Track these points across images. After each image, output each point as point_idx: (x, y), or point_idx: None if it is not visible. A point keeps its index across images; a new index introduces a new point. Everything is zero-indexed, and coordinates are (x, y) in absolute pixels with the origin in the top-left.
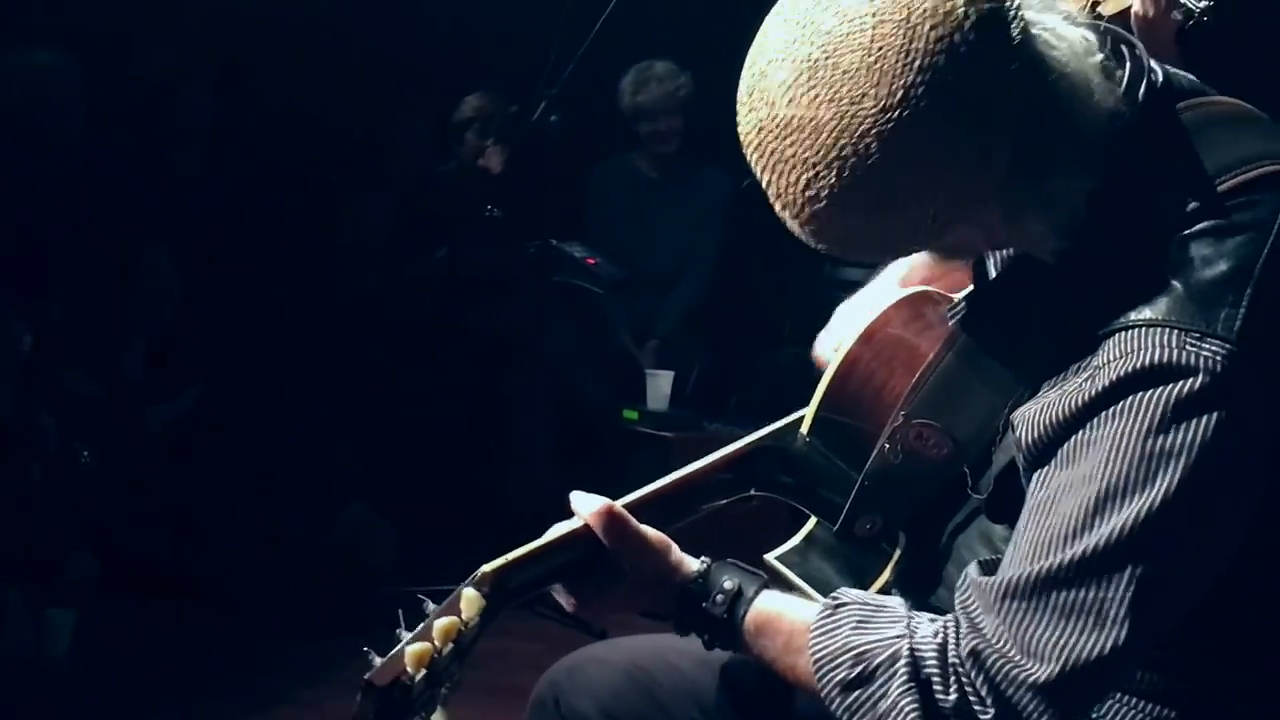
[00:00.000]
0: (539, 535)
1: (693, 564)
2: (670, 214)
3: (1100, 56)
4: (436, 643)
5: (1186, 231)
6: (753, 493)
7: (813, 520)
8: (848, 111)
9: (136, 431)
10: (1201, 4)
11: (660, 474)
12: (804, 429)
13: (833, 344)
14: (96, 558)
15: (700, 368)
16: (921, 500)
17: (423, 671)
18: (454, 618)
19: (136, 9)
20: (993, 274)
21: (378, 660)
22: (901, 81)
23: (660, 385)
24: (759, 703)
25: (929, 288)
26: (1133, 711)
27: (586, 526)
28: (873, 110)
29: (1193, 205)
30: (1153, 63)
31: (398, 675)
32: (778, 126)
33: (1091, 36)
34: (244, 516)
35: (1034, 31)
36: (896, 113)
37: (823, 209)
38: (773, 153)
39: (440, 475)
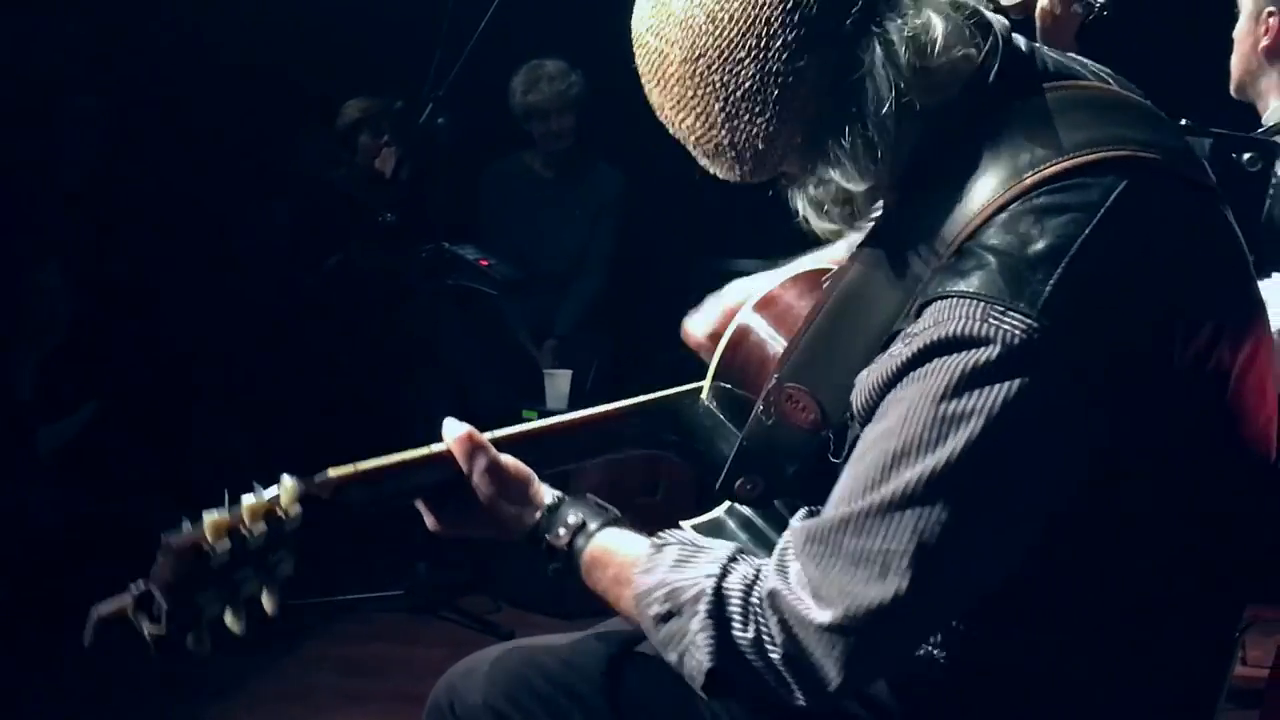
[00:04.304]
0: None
1: (547, 496)
2: (564, 212)
3: (960, 50)
4: (245, 519)
5: (1016, 208)
6: (636, 452)
7: None
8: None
9: (29, 451)
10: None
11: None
12: (703, 395)
13: (701, 321)
14: None
15: (599, 365)
16: (796, 465)
17: (225, 543)
18: (267, 499)
19: (19, 16)
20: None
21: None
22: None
23: (559, 384)
24: (607, 683)
25: (827, 264)
26: (948, 675)
27: (449, 450)
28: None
29: (1028, 182)
30: (1021, 41)
31: (196, 541)
32: (639, 47)
33: (939, 22)
34: (145, 532)
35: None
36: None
37: (671, 112)
38: (639, 69)
39: None
